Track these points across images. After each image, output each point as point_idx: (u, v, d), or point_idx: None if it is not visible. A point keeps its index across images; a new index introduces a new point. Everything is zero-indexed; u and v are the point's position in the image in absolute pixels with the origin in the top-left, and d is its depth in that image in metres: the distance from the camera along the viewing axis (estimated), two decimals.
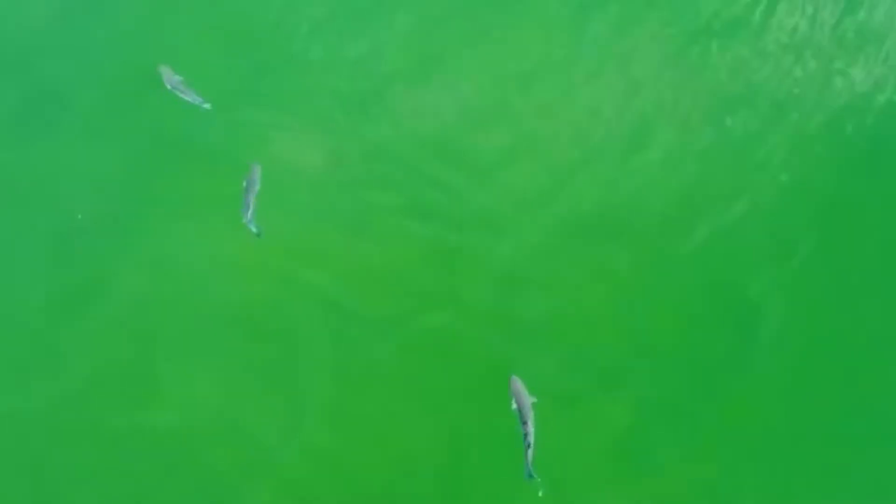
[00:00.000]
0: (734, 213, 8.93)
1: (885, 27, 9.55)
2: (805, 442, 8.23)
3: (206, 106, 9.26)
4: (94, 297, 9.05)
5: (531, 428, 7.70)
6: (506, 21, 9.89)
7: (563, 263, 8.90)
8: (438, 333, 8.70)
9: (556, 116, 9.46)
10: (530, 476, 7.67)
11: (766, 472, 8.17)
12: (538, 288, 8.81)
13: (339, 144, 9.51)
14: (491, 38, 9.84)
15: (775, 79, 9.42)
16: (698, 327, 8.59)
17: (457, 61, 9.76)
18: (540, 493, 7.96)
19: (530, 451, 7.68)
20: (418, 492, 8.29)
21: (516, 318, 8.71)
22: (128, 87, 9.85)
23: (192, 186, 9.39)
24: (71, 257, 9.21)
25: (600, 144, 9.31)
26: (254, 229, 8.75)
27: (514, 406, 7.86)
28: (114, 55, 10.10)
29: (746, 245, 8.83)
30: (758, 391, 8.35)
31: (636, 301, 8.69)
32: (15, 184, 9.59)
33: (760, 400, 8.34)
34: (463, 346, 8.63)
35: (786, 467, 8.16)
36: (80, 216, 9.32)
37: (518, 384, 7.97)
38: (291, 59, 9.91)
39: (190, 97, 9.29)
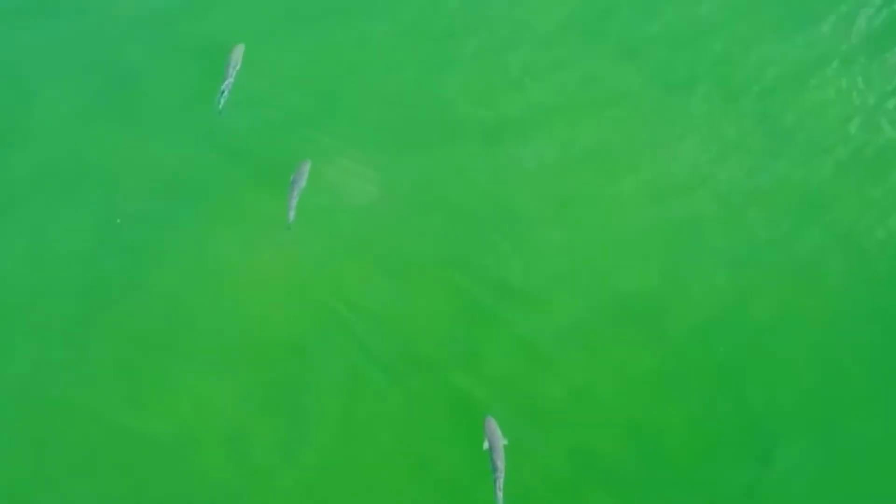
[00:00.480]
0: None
1: None
2: None
3: (220, 103, 9.38)
4: (122, 292, 9.15)
5: (501, 470, 7.87)
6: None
7: (588, 350, 8.81)
8: (450, 392, 8.62)
9: (611, 200, 9.41)
10: None
11: None
12: (558, 369, 8.70)
13: (393, 183, 9.53)
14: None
15: None
16: (710, 443, 8.36)
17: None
18: None
19: (500, 493, 7.83)
20: None
21: (529, 395, 8.61)
22: (205, 90, 10.04)
23: (241, 197, 9.48)
24: (108, 249, 9.34)
25: (646, 239, 9.22)
26: (288, 220, 8.91)
27: (487, 446, 8.01)
28: (197, 53, 10.28)
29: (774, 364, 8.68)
30: None
31: (651, 403, 8.56)
32: (72, 168, 9.77)
33: None
34: (471, 409, 8.53)
35: None
36: (118, 220, 9.46)
37: (492, 424, 8.13)
38: (366, 91, 9.99)
39: (224, 85, 9.41)
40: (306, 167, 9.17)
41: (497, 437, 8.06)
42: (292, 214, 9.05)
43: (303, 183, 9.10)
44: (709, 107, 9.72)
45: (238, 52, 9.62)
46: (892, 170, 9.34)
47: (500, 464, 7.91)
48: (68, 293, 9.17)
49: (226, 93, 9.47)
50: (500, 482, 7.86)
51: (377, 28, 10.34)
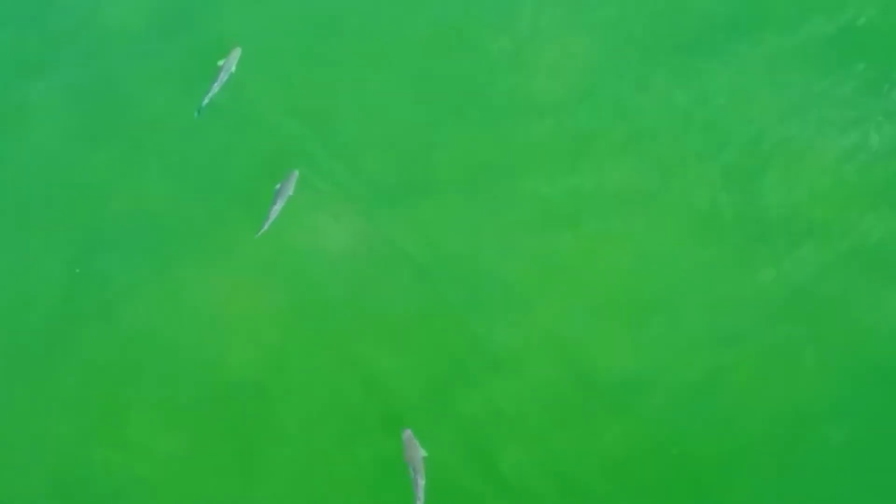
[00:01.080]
0: None
1: None
2: None
3: (204, 102, 9.31)
4: (89, 320, 9.13)
5: (421, 481, 7.93)
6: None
7: (552, 418, 8.64)
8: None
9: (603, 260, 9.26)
10: None
11: None
12: (524, 442, 8.55)
13: (376, 233, 9.45)
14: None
15: None
16: None
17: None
18: None
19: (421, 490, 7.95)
20: None
21: (492, 458, 8.51)
22: (193, 121, 10.03)
23: (219, 234, 9.44)
24: (79, 275, 9.33)
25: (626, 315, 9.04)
26: (262, 228, 8.83)
27: (406, 459, 8.07)
28: (190, 82, 10.20)
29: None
30: None
31: (610, 479, 8.34)
32: (52, 191, 9.81)
33: None
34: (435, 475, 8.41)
35: None
36: (77, 270, 9.38)
37: (410, 438, 8.15)
38: (351, 138, 9.92)
39: (212, 87, 9.35)
40: (294, 177, 9.02)
41: (415, 450, 8.09)
42: (268, 225, 8.92)
43: (289, 192, 8.95)
44: (691, 187, 9.59)
45: (234, 56, 9.49)
46: None
47: (421, 476, 7.96)
48: (36, 316, 9.18)
49: (211, 94, 9.35)
50: (421, 492, 7.91)
51: (373, 76, 10.28)
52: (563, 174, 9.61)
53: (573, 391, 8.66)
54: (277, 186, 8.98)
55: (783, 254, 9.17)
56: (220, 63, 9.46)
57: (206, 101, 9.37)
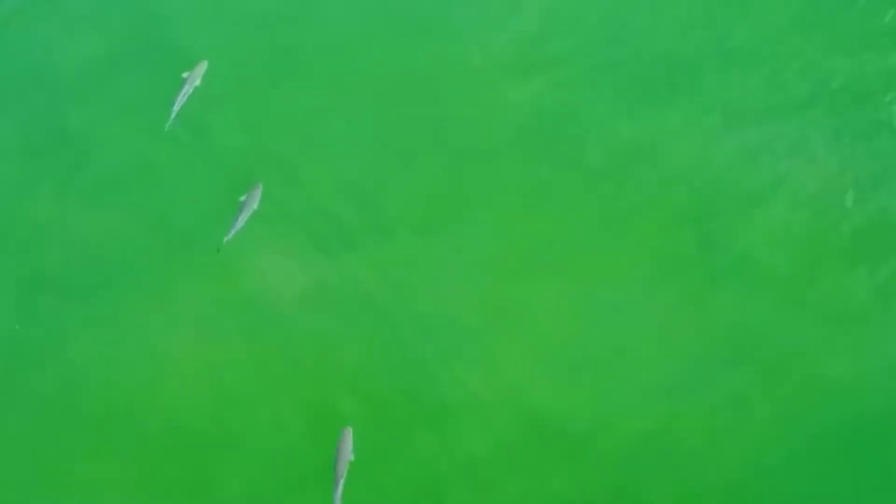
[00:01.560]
0: None
1: None
2: None
3: (171, 117, 9.26)
4: (35, 360, 8.95)
5: (341, 483, 8.02)
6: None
7: (502, 465, 8.54)
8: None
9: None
10: None
11: None
12: (475, 487, 8.42)
13: (330, 275, 9.32)
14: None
15: None
16: None
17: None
18: None
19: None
20: None
21: None
22: (149, 160, 9.94)
23: (168, 277, 9.28)
24: (26, 314, 9.18)
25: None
26: (224, 241, 8.79)
27: (335, 456, 8.12)
28: (144, 117, 10.11)
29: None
30: None
31: None
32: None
33: None
34: None
35: None
36: (17, 326, 9.20)
37: (347, 437, 8.17)
38: (307, 183, 9.81)
39: (177, 99, 9.27)
40: (258, 190, 9.00)
41: (345, 451, 8.12)
42: (231, 236, 8.87)
43: (254, 206, 8.93)
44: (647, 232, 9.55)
45: (200, 70, 9.43)
46: None
47: (341, 479, 8.03)
48: None
49: (178, 107, 9.30)
50: (339, 491, 8.01)
51: (331, 116, 10.20)
52: (521, 217, 9.57)
53: (525, 436, 8.57)
54: (242, 198, 8.98)
55: (738, 302, 9.14)
56: (185, 75, 9.38)
57: (174, 114, 9.32)
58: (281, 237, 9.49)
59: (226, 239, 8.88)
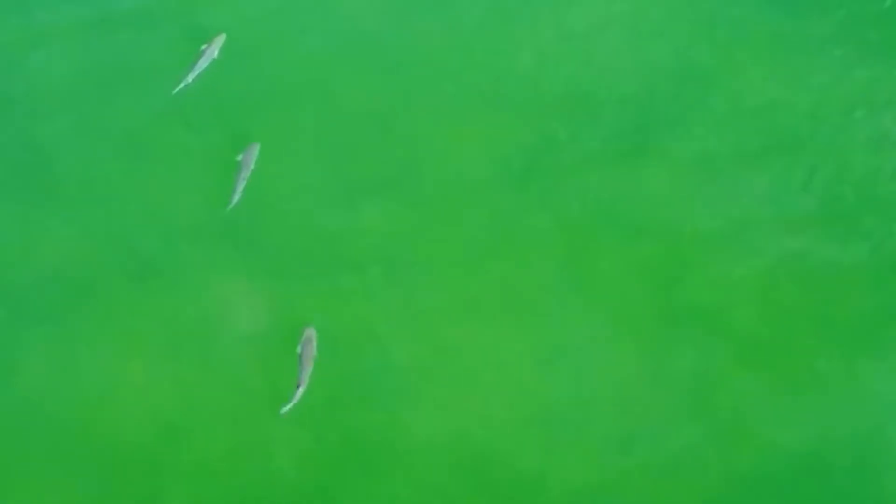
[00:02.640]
0: None
1: None
2: None
3: (178, 87, 9.35)
4: None
5: (305, 381, 8.37)
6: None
7: None
8: None
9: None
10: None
11: None
12: None
13: (285, 310, 9.18)
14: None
15: None
16: None
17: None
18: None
19: (299, 393, 8.37)
20: None
21: None
22: (114, 179, 9.84)
23: (124, 303, 9.18)
24: None
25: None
26: (231, 202, 9.04)
27: (298, 351, 8.47)
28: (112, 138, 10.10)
29: None
30: None
31: None
32: None
33: None
34: None
35: None
36: None
37: (311, 335, 8.52)
38: (268, 213, 9.69)
39: (192, 70, 9.37)
40: (255, 149, 9.19)
41: (310, 348, 8.43)
42: (237, 198, 9.08)
43: (251, 166, 9.09)
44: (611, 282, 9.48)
45: (218, 42, 9.45)
46: None
47: (306, 374, 8.36)
48: None
49: (188, 79, 9.39)
50: (302, 387, 8.38)
51: (295, 149, 10.11)
52: (484, 263, 9.49)
53: (470, 485, 8.48)
54: (239, 157, 9.17)
55: (696, 356, 9.07)
56: (203, 48, 9.35)
57: (185, 82, 9.40)
58: (241, 266, 9.42)
59: (233, 199, 9.16)
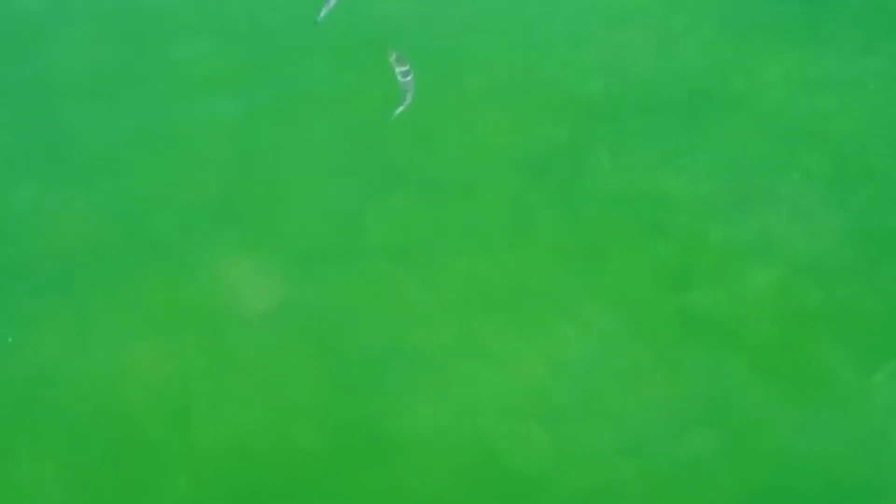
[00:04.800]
0: None
1: None
2: None
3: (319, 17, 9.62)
4: None
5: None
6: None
7: None
8: None
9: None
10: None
11: None
12: None
13: (296, 299, 9.19)
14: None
15: None
16: None
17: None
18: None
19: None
20: None
21: None
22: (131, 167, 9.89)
23: (138, 283, 9.19)
24: None
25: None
26: (319, 17, 9.37)
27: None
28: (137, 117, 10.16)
29: None
30: None
31: None
32: None
33: None
34: None
35: None
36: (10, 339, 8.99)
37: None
38: (285, 197, 9.72)
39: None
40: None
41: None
42: (325, 12, 9.43)
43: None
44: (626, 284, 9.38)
45: None
46: None
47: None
48: None
49: (329, 6, 9.67)
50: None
51: (310, 139, 10.08)
52: (497, 259, 9.43)
53: (471, 478, 8.44)
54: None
55: (711, 363, 8.95)
56: None
57: (324, 12, 9.66)
58: (254, 252, 9.42)
59: (321, 13, 9.45)
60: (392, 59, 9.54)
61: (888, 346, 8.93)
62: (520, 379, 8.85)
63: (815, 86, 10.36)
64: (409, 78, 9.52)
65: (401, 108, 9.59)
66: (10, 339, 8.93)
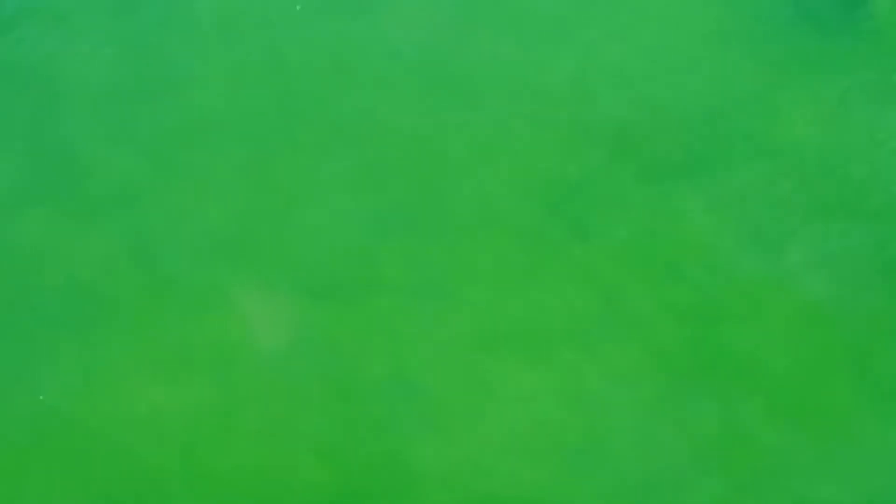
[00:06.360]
0: None
1: None
2: None
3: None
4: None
5: None
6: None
7: None
8: None
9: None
10: None
11: None
12: None
13: (308, 333, 9.13)
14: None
15: None
16: None
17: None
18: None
19: None
20: None
21: None
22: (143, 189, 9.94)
23: (148, 317, 9.21)
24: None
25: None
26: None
27: None
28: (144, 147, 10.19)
29: None
30: None
31: None
32: None
33: None
34: None
35: None
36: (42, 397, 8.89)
37: None
38: (297, 234, 9.65)
39: None
40: None
41: None
42: None
43: None
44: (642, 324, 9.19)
45: None
46: None
47: None
48: None
49: None
50: None
51: (325, 173, 10.02)
52: (511, 296, 9.29)
53: None
54: None
55: (726, 405, 8.73)
56: None
57: None
58: (266, 289, 9.39)
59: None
60: None
61: None
62: (529, 417, 8.72)
63: (835, 122, 10.11)
64: None
65: None
66: (41, 397, 8.93)
